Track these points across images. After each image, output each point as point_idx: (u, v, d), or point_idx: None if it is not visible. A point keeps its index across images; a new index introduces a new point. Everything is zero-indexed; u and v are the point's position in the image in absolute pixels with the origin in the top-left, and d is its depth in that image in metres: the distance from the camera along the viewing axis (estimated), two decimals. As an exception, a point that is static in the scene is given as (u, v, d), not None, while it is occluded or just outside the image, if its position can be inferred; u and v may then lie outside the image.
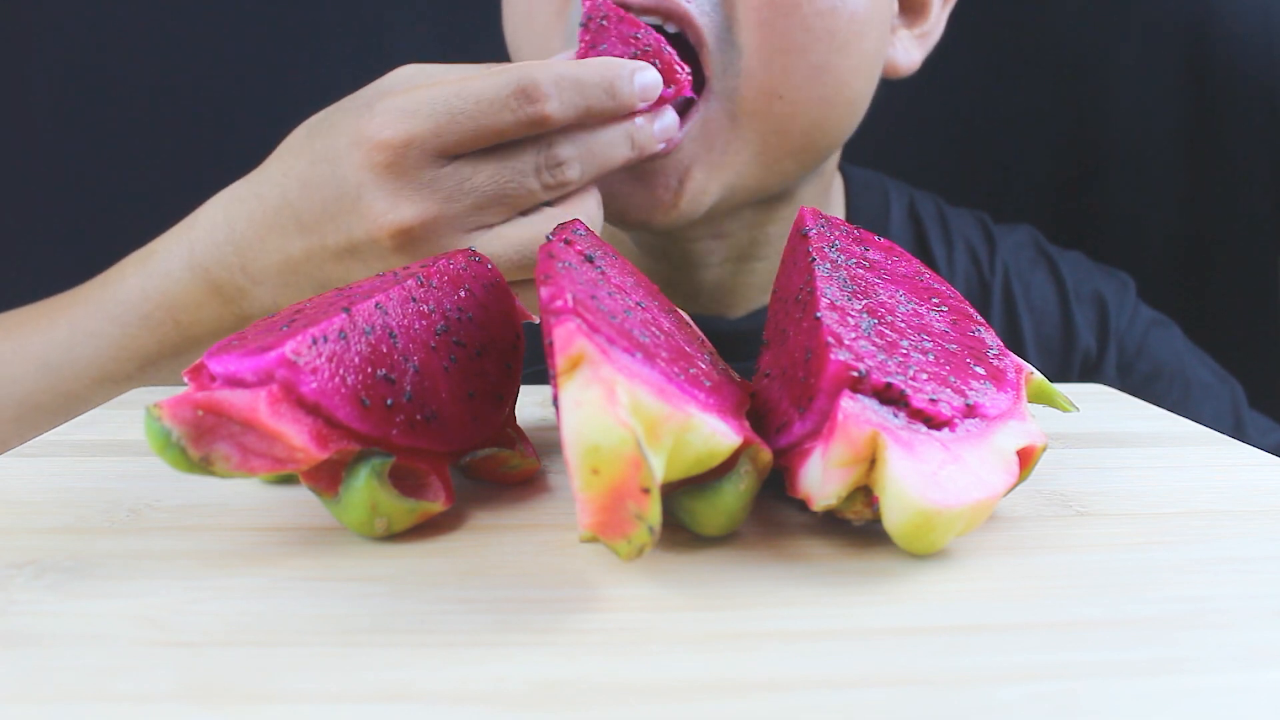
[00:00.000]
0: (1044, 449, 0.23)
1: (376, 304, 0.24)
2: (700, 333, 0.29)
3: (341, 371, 0.21)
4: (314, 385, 0.21)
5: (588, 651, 0.17)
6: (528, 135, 0.36)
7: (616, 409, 0.18)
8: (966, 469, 0.21)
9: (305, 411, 0.21)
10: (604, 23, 0.40)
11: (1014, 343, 0.58)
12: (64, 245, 0.72)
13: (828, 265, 0.27)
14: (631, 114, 0.38)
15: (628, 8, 0.40)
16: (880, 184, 0.61)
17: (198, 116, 0.74)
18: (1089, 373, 0.59)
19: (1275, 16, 0.73)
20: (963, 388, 0.23)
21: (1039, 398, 0.25)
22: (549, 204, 0.38)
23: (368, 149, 0.35)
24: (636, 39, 0.39)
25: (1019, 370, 0.25)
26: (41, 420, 0.42)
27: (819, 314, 0.23)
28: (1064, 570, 0.21)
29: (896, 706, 0.16)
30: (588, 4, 0.40)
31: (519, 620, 0.18)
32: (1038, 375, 0.25)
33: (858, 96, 0.45)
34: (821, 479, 0.21)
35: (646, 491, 0.18)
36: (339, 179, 0.37)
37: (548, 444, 0.31)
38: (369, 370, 0.22)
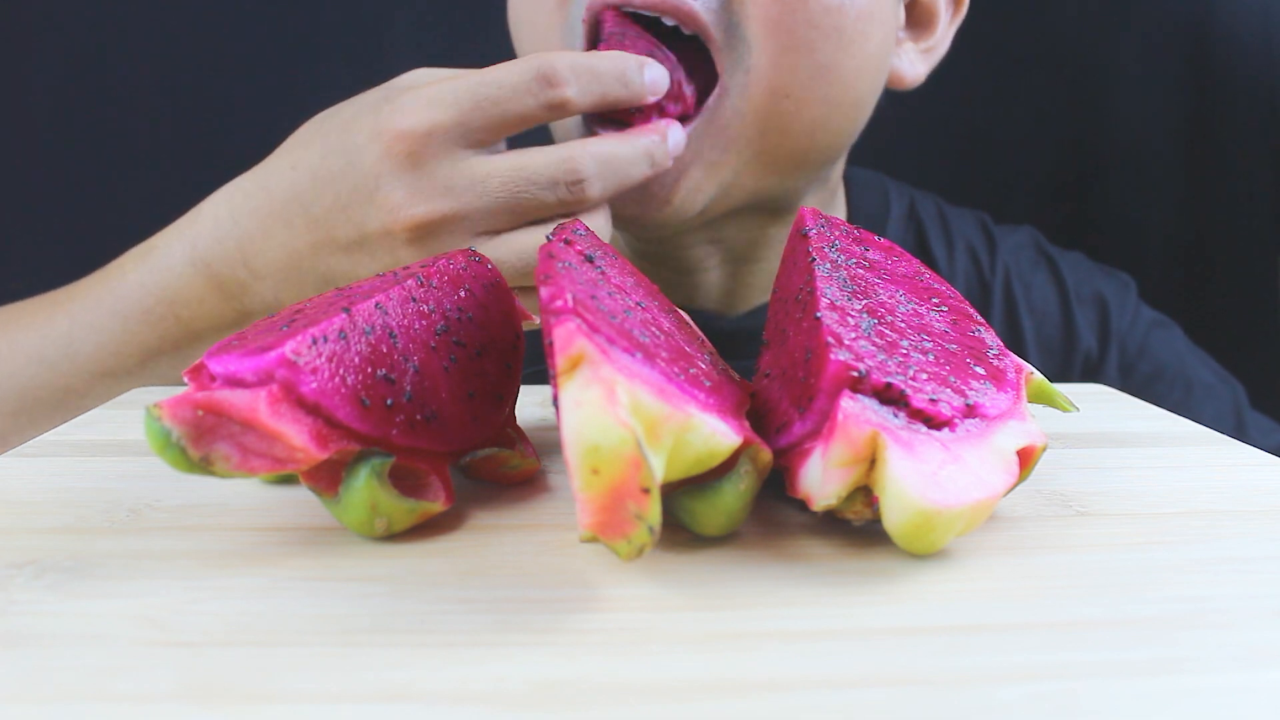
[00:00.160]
0: (1044, 449, 0.23)
1: (376, 304, 0.24)
2: (700, 333, 0.29)
3: (341, 371, 0.21)
4: (314, 385, 0.21)
5: (588, 651, 0.17)
6: (547, 131, 0.37)
7: (616, 409, 0.18)
8: (966, 469, 0.21)
9: (305, 411, 0.21)
10: (624, 39, 0.41)
11: (1015, 344, 0.58)
12: (64, 245, 0.72)
13: (828, 265, 0.27)
14: (647, 115, 0.40)
15: (631, 6, 0.40)
16: (881, 184, 0.61)
17: (198, 116, 0.74)
18: (1090, 374, 0.59)
19: (1275, 17, 0.73)
20: (963, 388, 0.23)
21: (1039, 398, 0.25)
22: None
23: (389, 139, 0.36)
24: (651, 56, 0.41)
25: (1019, 370, 0.25)
26: (40, 414, 0.42)
27: (819, 314, 0.23)
28: (1064, 570, 0.21)
29: (896, 706, 0.16)
30: (609, 24, 0.41)
31: (519, 620, 0.18)
32: (1038, 375, 0.25)
33: (860, 99, 0.45)
34: (821, 479, 0.21)
35: (646, 491, 0.18)
36: (356, 170, 0.37)
37: (548, 444, 0.31)
38: (369, 370, 0.22)
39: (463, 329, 0.26)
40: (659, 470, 0.19)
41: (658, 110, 0.41)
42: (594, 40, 0.42)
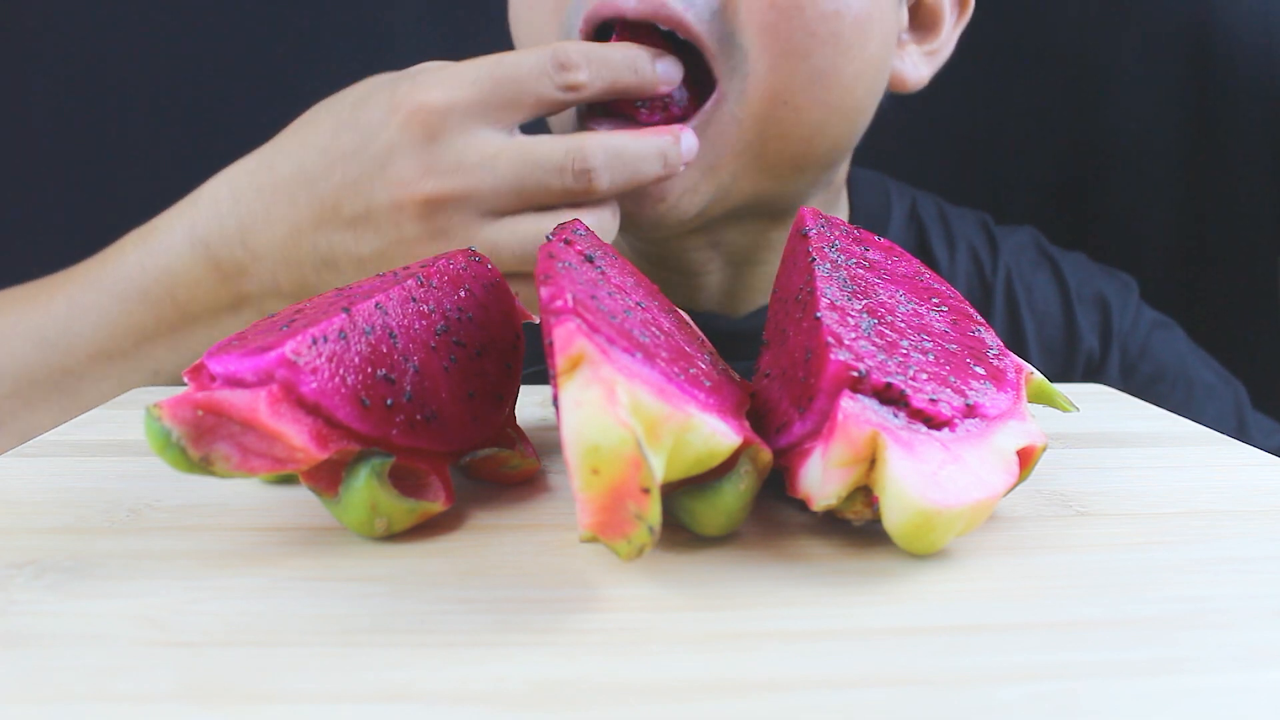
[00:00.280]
0: (1044, 449, 0.23)
1: (376, 304, 0.24)
2: (700, 333, 0.29)
3: (341, 371, 0.21)
4: (314, 385, 0.21)
5: (588, 651, 0.17)
6: (563, 108, 0.38)
7: (616, 409, 0.18)
8: (966, 469, 0.21)
9: (305, 411, 0.21)
10: (635, 39, 0.41)
11: (1017, 345, 0.58)
12: (64, 244, 0.72)
13: (828, 265, 0.27)
14: (653, 112, 0.40)
15: (624, 15, 0.40)
16: (883, 185, 0.61)
17: (200, 113, 0.74)
18: (1092, 375, 0.59)
19: (1275, 17, 0.73)
20: (963, 388, 0.23)
21: (1039, 398, 0.25)
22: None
23: (408, 112, 0.36)
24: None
25: (1019, 370, 0.25)
26: (36, 397, 0.42)
27: (819, 314, 0.23)
28: (1064, 570, 0.21)
29: (896, 706, 0.16)
30: (617, 34, 0.42)
31: (519, 620, 0.18)
32: (1038, 375, 0.25)
33: (860, 104, 0.45)
34: (821, 479, 0.21)
35: (646, 491, 0.18)
36: (368, 144, 0.37)
37: (548, 444, 0.31)
38: (369, 370, 0.22)
39: (463, 329, 0.26)
40: (659, 470, 0.19)
41: (662, 108, 0.41)
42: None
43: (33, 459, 0.29)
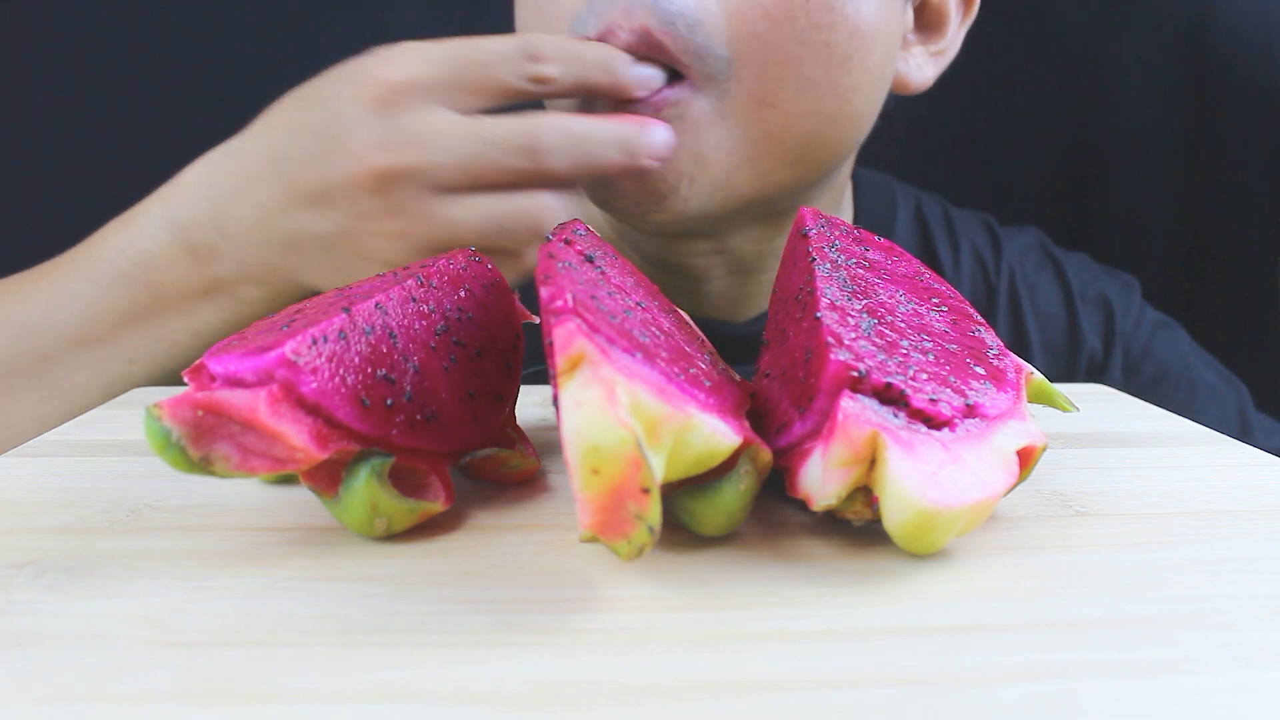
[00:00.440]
0: (1044, 449, 0.23)
1: (376, 304, 0.24)
2: (700, 333, 0.29)
3: (341, 371, 0.21)
4: (314, 385, 0.21)
5: (588, 651, 0.17)
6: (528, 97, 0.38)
7: (616, 409, 0.18)
8: (966, 469, 0.21)
9: (305, 411, 0.21)
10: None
11: (1020, 345, 0.58)
12: (63, 244, 0.72)
13: (828, 265, 0.27)
14: (627, 103, 0.40)
15: (618, 36, 0.40)
16: (887, 186, 0.61)
17: (197, 114, 0.74)
18: (1095, 375, 0.59)
19: (1275, 17, 0.73)
20: (963, 388, 0.23)
21: (1039, 398, 0.25)
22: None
23: (368, 85, 0.36)
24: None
25: (1019, 370, 0.25)
26: (18, 384, 0.42)
27: (819, 314, 0.23)
28: (1064, 570, 0.21)
29: (896, 706, 0.16)
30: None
31: (519, 620, 0.18)
32: (1038, 375, 0.25)
33: (859, 113, 0.44)
34: (821, 479, 0.21)
35: (646, 491, 0.18)
36: (329, 117, 0.37)
37: (548, 444, 0.31)
38: (369, 370, 0.22)
39: (463, 329, 0.26)
40: (659, 470, 0.19)
41: (652, 111, 0.41)
42: None
43: (33, 459, 0.29)
